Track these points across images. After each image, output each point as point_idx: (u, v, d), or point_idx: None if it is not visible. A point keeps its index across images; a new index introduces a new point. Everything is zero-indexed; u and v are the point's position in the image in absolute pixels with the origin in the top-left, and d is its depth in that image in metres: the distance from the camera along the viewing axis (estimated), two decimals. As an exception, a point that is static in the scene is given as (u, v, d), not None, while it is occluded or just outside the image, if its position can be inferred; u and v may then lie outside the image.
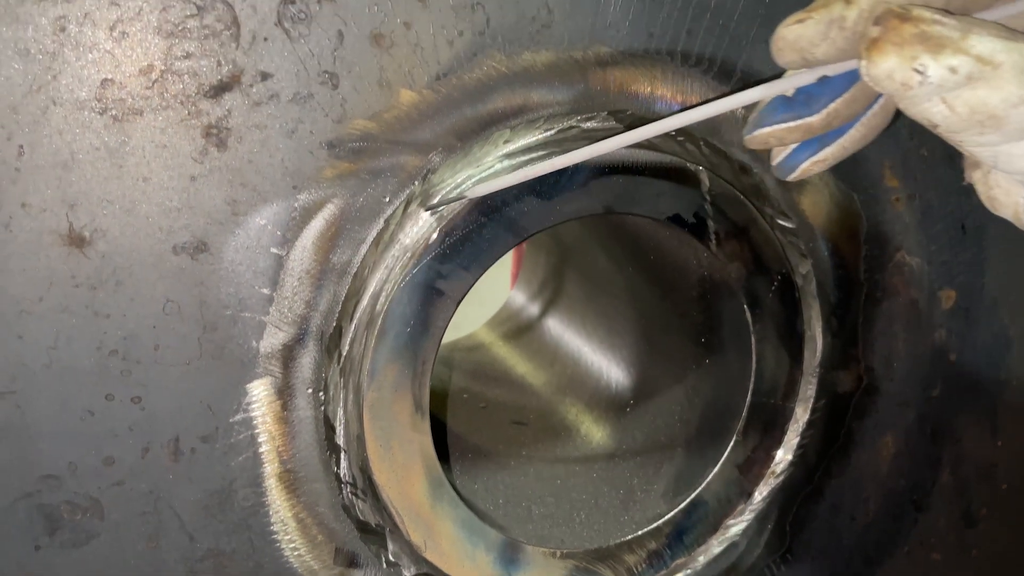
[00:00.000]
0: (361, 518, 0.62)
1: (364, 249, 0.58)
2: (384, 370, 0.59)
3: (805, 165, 0.52)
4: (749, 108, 0.66)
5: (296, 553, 0.61)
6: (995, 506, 0.85)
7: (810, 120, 0.49)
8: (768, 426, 0.73)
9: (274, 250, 0.55)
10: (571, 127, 0.61)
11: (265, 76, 0.53)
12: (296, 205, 0.55)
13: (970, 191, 0.75)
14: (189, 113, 0.52)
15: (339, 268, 0.58)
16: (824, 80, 0.47)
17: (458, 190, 0.58)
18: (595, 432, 0.87)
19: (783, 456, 0.74)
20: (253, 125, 0.53)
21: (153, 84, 0.51)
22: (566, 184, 0.61)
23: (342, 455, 0.60)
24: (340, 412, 0.59)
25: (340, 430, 0.59)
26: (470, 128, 0.59)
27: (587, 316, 0.98)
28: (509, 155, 0.60)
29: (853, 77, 0.47)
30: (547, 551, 0.68)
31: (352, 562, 0.63)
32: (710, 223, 0.66)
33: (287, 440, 0.59)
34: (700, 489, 0.72)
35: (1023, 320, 0.81)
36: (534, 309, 1.10)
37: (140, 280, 0.53)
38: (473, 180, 0.59)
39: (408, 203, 0.58)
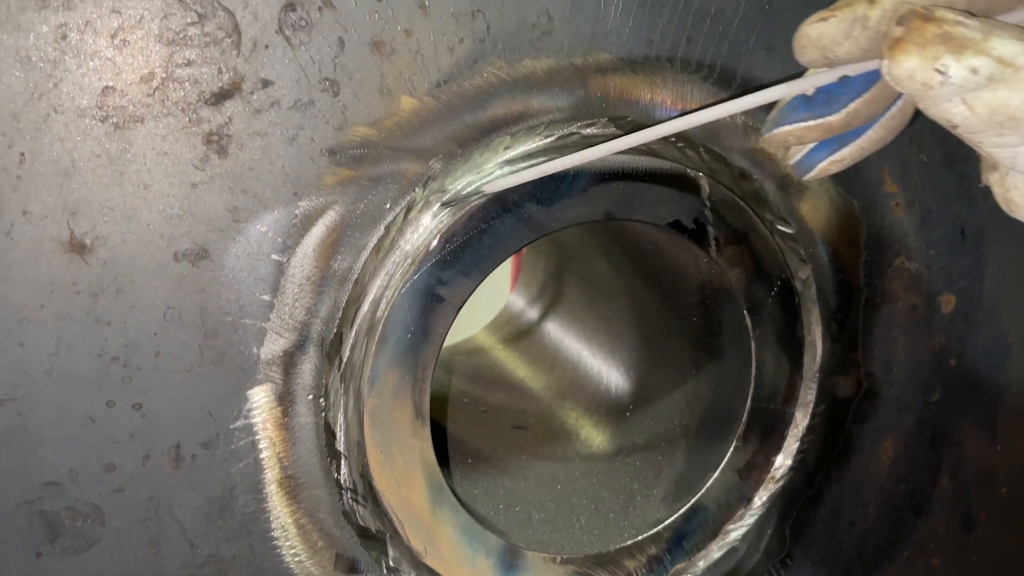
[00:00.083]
0: (361, 524, 0.62)
1: (365, 255, 0.58)
2: (384, 376, 0.59)
3: (823, 164, 0.52)
4: (753, 112, 0.66)
5: (297, 559, 0.61)
6: (995, 510, 0.85)
7: (830, 119, 0.49)
8: (768, 431, 0.73)
9: (275, 257, 0.56)
10: (571, 133, 0.61)
11: (266, 83, 0.53)
12: (297, 212, 0.55)
13: (970, 196, 0.76)
14: (190, 120, 0.52)
15: (340, 274, 0.58)
16: (844, 80, 0.47)
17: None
18: (595, 437, 0.87)
19: (783, 461, 0.74)
20: (254, 132, 0.53)
21: (154, 91, 0.51)
22: (566, 190, 0.61)
23: (343, 461, 0.60)
24: (341, 418, 0.59)
25: (341, 436, 0.59)
26: (471, 135, 0.59)
27: (587, 320, 0.98)
28: (509, 161, 0.60)
29: (873, 77, 0.47)
30: (547, 556, 0.68)
31: (353, 568, 0.63)
32: (710, 229, 0.66)
33: (288, 446, 0.59)
34: (700, 494, 0.72)
35: (1022, 325, 0.81)
36: (534, 313, 1.10)
37: (141, 287, 0.53)
38: (473, 186, 0.59)
39: (409, 209, 0.58)
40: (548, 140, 0.61)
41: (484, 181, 0.59)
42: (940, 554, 0.84)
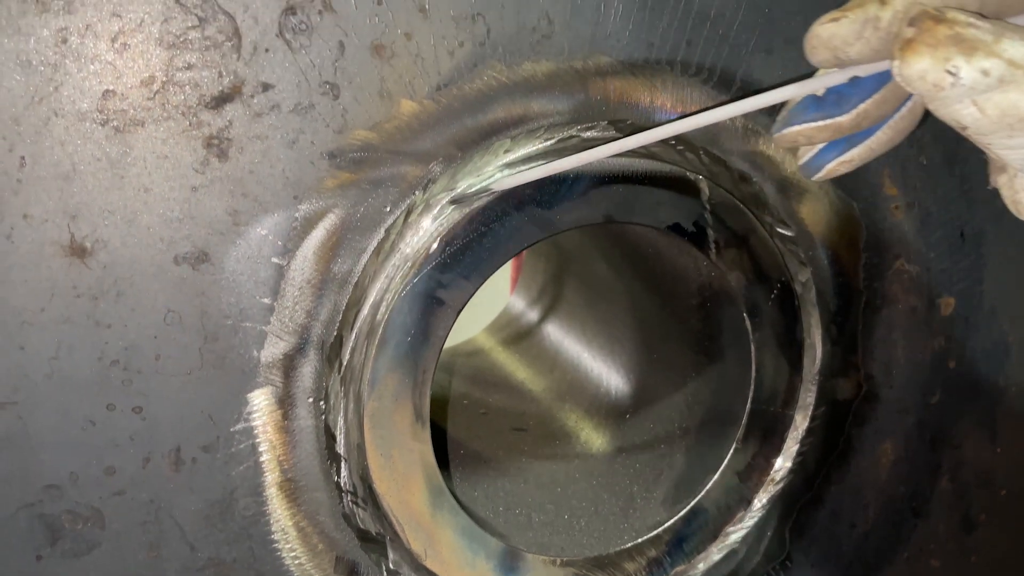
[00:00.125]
0: (362, 527, 0.62)
1: (365, 259, 0.58)
2: (385, 379, 0.59)
3: (831, 165, 0.53)
4: (753, 115, 0.66)
5: (297, 562, 0.61)
6: (994, 512, 0.85)
7: (840, 120, 0.49)
8: (768, 433, 0.73)
9: (275, 260, 0.56)
10: (571, 136, 0.61)
11: (266, 87, 0.53)
12: (297, 215, 0.55)
13: (969, 199, 0.76)
14: (190, 124, 0.52)
15: (340, 278, 0.58)
16: (854, 81, 0.47)
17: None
18: (595, 439, 0.87)
19: (783, 463, 0.74)
20: (254, 136, 0.53)
21: (154, 95, 0.51)
22: (566, 193, 0.61)
23: (343, 464, 0.60)
24: (341, 421, 0.59)
25: (341, 439, 0.59)
26: (471, 138, 0.59)
27: (587, 322, 0.98)
28: (510, 164, 0.60)
29: (883, 78, 0.47)
30: (547, 559, 0.68)
31: (353, 571, 0.63)
32: (710, 232, 0.66)
33: (288, 449, 0.59)
34: (700, 496, 0.72)
35: (1022, 327, 0.81)
36: (534, 315, 1.11)
37: (141, 290, 0.53)
38: (474, 189, 0.59)
39: (409, 212, 0.58)
40: (548, 143, 0.61)
41: (482, 184, 0.59)
42: (940, 556, 0.84)
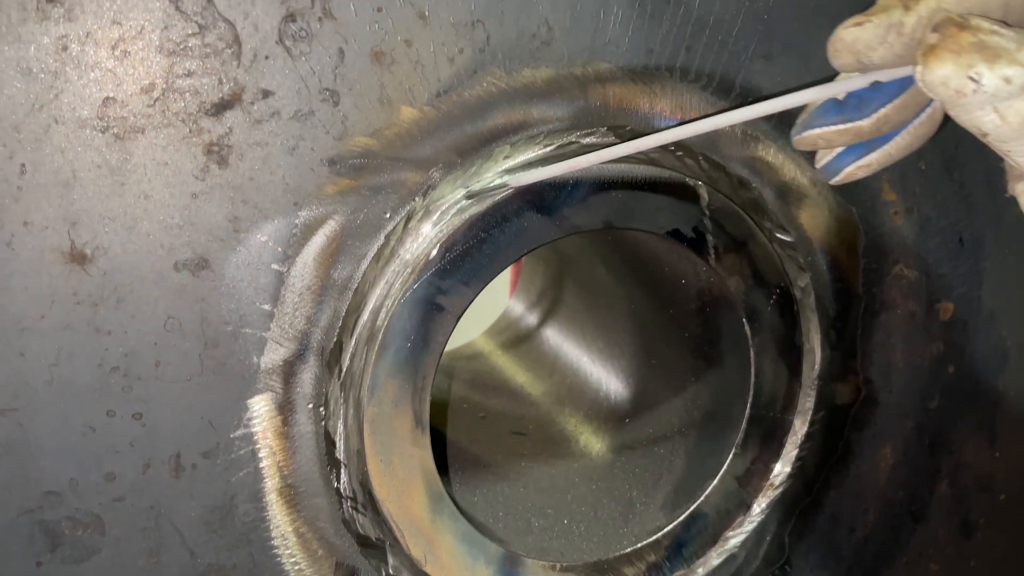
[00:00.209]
0: (361, 532, 0.62)
1: (365, 265, 0.58)
2: (384, 385, 0.59)
3: (850, 169, 0.53)
4: (752, 121, 0.66)
5: (297, 567, 0.61)
6: (993, 516, 0.85)
7: (860, 124, 0.49)
8: (767, 438, 0.73)
9: (275, 266, 0.56)
10: (571, 143, 0.61)
11: (266, 94, 0.53)
12: (297, 221, 0.55)
13: (968, 204, 0.76)
14: (190, 131, 0.52)
15: (340, 284, 0.58)
16: (875, 85, 0.47)
17: (458, 206, 0.59)
18: (594, 443, 0.87)
19: (782, 468, 0.74)
20: (254, 142, 0.53)
21: (155, 102, 0.51)
22: (566, 199, 0.61)
23: (342, 470, 0.60)
24: (340, 427, 0.59)
25: (340, 445, 0.59)
26: (470, 144, 0.59)
27: (586, 327, 0.98)
28: (509, 170, 0.60)
29: (904, 84, 0.47)
30: (547, 564, 0.68)
31: (352, 576, 0.63)
32: (709, 237, 0.66)
33: (288, 455, 0.59)
34: (699, 501, 0.72)
35: (1020, 332, 0.81)
36: (533, 318, 1.11)
37: (141, 297, 0.53)
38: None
39: (409, 219, 0.58)
40: (548, 149, 0.61)
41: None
42: (939, 560, 0.84)
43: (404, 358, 0.59)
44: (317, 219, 0.56)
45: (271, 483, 0.59)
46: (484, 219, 0.59)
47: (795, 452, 0.75)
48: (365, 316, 0.58)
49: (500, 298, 1.25)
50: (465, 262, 0.59)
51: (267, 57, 0.52)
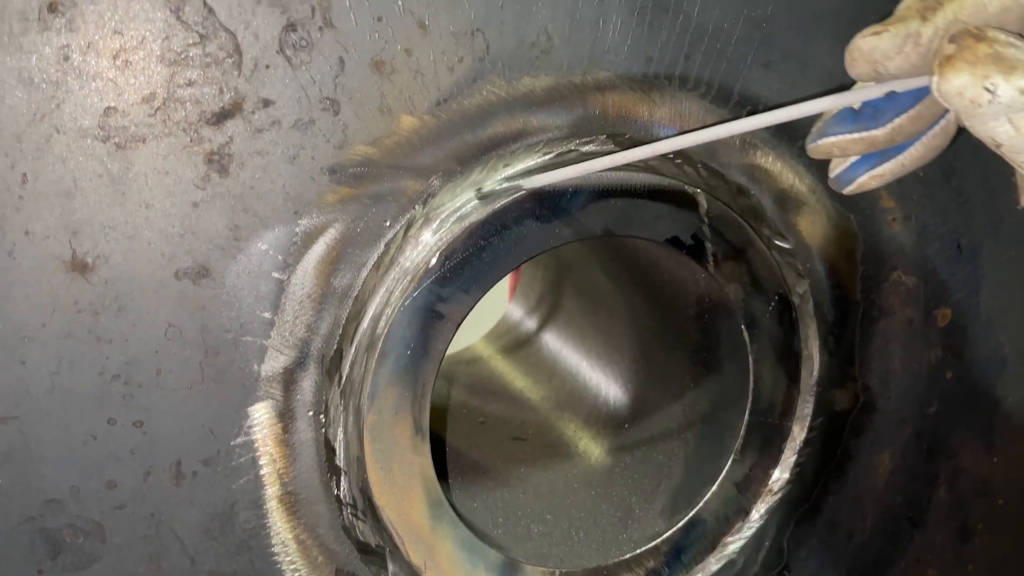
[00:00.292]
0: (361, 539, 0.62)
1: (365, 273, 0.58)
2: (384, 392, 0.59)
3: (863, 179, 0.53)
4: (765, 129, 0.66)
5: (297, 574, 0.61)
6: (991, 522, 0.86)
7: (875, 133, 0.49)
8: (766, 444, 0.73)
9: (275, 275, 0.56)
10: (570, 151, 0.61)
11: (267, 103, 0.53)
12: (297, 230, 0.56)
13: (966, 210, 0.76)
14: (191, 140, 0.52)
15: (340, 292, 0.58)
16: (891, 96, 0.47)
17: (458, 214, 0.59)
18: (593, 449, 0.87)
19: (781, 474, 0.75)
20: (255, 151, 0.53)
21: (156, 112, 0.51)
22: (565, 207, 0.61)
23: (342, 477, 0.60)
24: (340, 434, 0.59)
25: (340, 452, 0.60)
26: (470, 153, 0.59)
27: (585, 332, 0.98)
28: (509, 179, 0.60)
29: (919, 94, 0.48)
30: (546, 570, 0.69)
31: (352, 583, 0.63)
32: (708, 245, 0.67)
33: (288, 462, 0.59)
34: (698, 507, 0.73)
35: (1018, 338, 0.81)
36: (532, 323, 1.11)
37: (142, 305, 0.53)
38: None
39: (409, 227, 0.59)
40: (547, 157, 0.61)
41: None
42: (937, 565, 0.84)
43: (404, 366, 0.59)
44: (317, 227, 0.56)
45: (271, 490, 0.59)
46: (484, 227, 0.59)
47: (794, 458, 0.75)
48: (365, 324, 0.58)
49: (499, 303, 1.25)
50: (465, 270, 0.59)
51: (268, 66, 0.52)
